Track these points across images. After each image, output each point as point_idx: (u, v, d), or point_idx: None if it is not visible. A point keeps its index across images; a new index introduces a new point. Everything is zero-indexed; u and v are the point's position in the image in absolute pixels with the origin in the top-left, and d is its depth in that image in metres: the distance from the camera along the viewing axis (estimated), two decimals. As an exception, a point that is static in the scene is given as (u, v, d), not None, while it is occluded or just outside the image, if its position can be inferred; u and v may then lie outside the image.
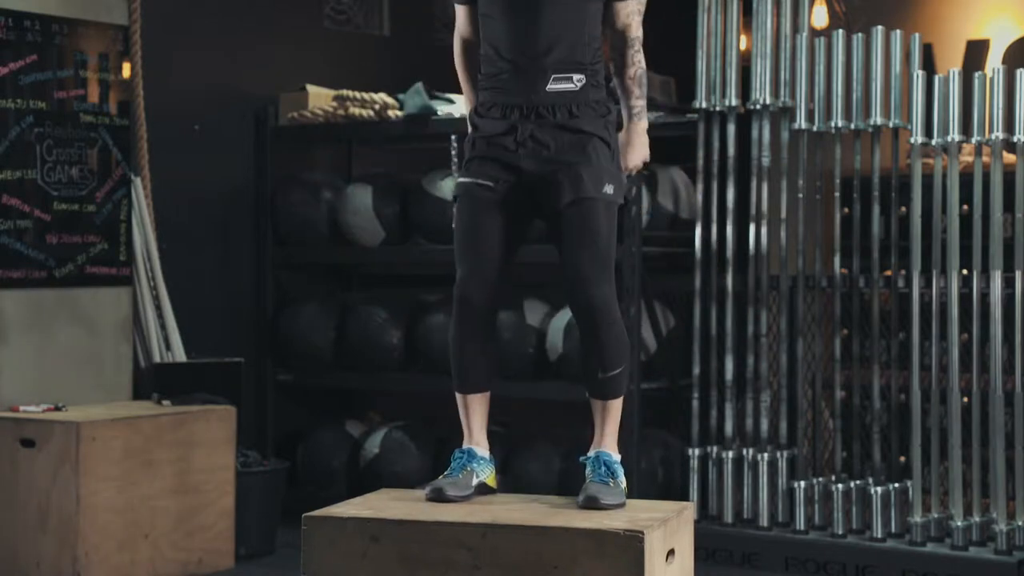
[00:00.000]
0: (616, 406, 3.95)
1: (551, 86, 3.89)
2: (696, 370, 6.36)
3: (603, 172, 3.90)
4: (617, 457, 3.94)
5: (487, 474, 3.98)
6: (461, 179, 3.98)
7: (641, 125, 4.04)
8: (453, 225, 3.99)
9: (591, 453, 3.94)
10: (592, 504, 3.79)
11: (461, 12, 4.08)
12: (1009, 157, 5.82)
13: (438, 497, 3.86)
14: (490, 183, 3.92)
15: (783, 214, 6.27)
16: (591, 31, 3.93)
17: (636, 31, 3.99)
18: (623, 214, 5.67)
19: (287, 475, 6.73)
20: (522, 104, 3.90)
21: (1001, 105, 5.76)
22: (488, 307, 3.94)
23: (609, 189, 3.89)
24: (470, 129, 4.01)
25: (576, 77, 3.90)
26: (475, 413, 4.01)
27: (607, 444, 3.95)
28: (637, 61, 4.00)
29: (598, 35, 3.96)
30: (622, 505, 3.82)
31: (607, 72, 4.03)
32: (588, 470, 3.91)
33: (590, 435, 4.00)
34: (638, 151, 4.06)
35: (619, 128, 4.05)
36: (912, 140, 5.93)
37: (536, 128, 3.89)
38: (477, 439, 4.00)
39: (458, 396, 4.02)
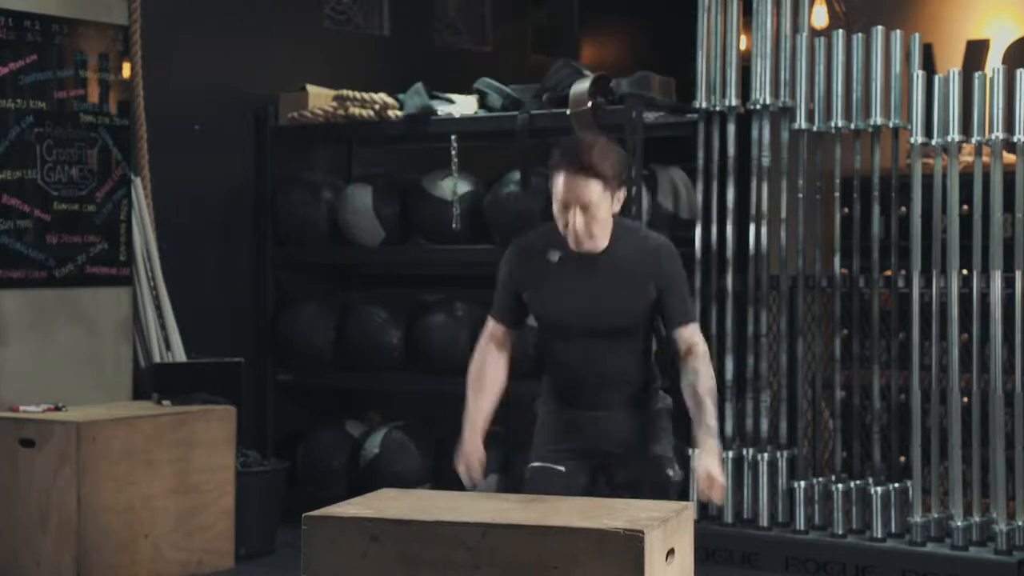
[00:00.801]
0: None
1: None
2: (696, 370, 6.35)
3: (664, 461, 4.26)
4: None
5: None
6: (533, 464, 4.29)
7: (717, 446, 4.14)
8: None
9: None
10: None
11: (500, 328, 4.29)
12: (1009, 157, 5.82)
13: None
14: (561, 468, 4.24)
15: (783, 214, 6.27)
16: (649, 356, 4.25)
17: (702, 346, 4.19)
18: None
19: (287, 475, 6.73)
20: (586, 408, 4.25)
21: (1001, 105, 5.76)
22: None
23: (671, 472, 4.27)
24: (538, 420, 4.35)
25: (631, 390, 4.24)
26: None
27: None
28: (711, 374, 4.19)
29: (653, 356, 4.27)
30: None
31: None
32: None
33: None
34: (717, 474, 4.06)
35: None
36: (912, 140, 5.93)
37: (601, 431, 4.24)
38: None
39: None
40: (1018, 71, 5.74)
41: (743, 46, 6.38)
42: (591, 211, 4.01)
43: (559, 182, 4.03)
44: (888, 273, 6.16)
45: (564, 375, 4.27)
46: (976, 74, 5.86)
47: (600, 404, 4.22)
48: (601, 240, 4.08)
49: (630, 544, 3.45)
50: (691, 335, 4.17)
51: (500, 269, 4.26)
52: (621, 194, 4.10)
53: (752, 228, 6.28)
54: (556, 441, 4.27)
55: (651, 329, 4.24)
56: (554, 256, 4.15)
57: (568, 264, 4.13)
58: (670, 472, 4.25)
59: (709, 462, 4.04)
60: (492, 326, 4.28)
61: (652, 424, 4.28)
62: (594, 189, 4.00)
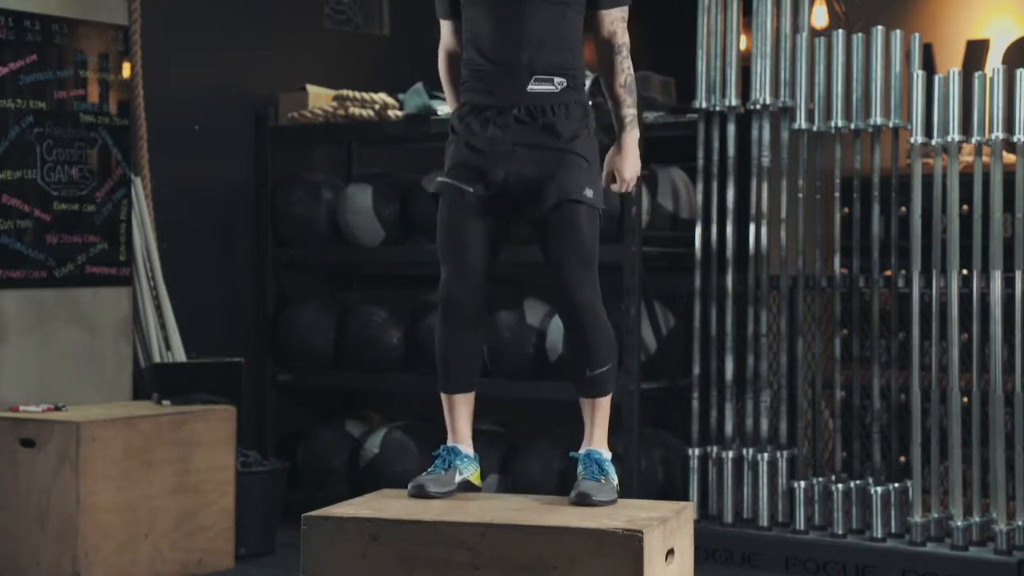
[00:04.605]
0: (605, 404, 3.97)
1: (531, 87, 3.92)
2: (696, 370, 6.36)
3: (583, 177, 3.92)
4: (608, 455, 3.95)
5: (471, 471, 4.02)
6: (440, 179, 4.09)
7: (633, 135, 4.00)
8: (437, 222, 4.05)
9: (581, 451, 3.96)
10: (584, 501, 3.81)
11: (446, 26, 4.21)
12: (1009, 157, 5.82)
13: (420, 493, 3.90)
14: (469, 187, 4.04)
15: (783, 214, 6.28)
16: (572, 36, 3.97)
17: (623, 37, 4.01)
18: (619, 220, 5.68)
19: (287, 475, 6.73)
20: (502, 105, 3.94)
21: (1001, 105, 5.76)
22: (472, 307, 4.00)
23: (589, 193, 3.92)
24: (450, 132, 4.04)
25: (557, 80, 3.95)
26: (460, 412, 4.08)
27: (597, 442, 3.96)
28: (626, 68, 4.01)
29: (579, 40, 3.99)
30: (614, 502, 3.84)
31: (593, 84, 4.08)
32: (580, 468, 3.93)
33: (581, 434, 4.01)
34: (631, 162, 4.02)
35: (607, 134, 4.08)
36: (912, 140, 5.93)
37: (516, 134, 3.92)
38: (462, 437, 4.06)
39: (443, 396, 4.08)
40: (1018, 71, 5.74)
41: (743, 46, 6.38)
42: None
43: None
44: (888, 273, 6.16)
45: (478, 57, 4.03)
46: (976, 74, 5.86)
47: (513, 96, 3.93)
48: None
49: (629, 544, 3.45)
50: (614, 20, 4.00)
51: None
52: None
53: (752, 228, 6.29)
54: (465, 156, 4.05)
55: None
56: None
57: None
58: (588, 191, 3.91)
59: (617, 159, 3.97)
60: (443, 32, 4.24)
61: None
62: None
